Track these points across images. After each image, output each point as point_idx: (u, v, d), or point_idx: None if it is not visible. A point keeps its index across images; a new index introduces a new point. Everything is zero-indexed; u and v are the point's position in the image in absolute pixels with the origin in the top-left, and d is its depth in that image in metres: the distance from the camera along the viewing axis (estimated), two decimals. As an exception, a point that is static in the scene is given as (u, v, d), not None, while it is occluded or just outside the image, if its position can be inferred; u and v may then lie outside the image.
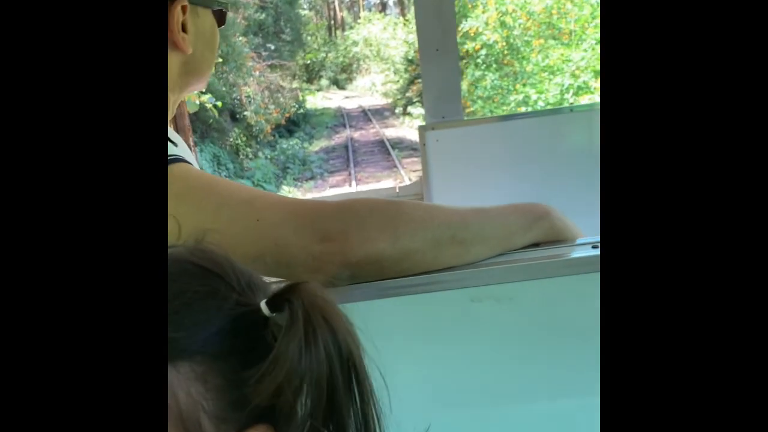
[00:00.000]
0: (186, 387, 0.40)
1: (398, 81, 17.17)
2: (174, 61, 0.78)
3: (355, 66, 22.62)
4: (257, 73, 12.02)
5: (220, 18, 0.85)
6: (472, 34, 9.65)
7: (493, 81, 9.47)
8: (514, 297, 0.71)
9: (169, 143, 0.77)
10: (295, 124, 14.48)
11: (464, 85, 9.74)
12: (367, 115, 16.40)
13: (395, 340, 0.69)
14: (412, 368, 0.73)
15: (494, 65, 9.62)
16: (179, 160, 0.70)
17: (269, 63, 13.41)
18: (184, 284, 0.42)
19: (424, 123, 1.35)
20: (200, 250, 0.45)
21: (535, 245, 0.75)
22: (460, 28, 9.80)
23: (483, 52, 9.63)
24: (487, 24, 9.53)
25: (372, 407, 0.45)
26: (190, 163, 0.73)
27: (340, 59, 22.50)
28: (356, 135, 13.95)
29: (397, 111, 15.78)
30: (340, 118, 16.50)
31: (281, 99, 13.21)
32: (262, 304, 0.43)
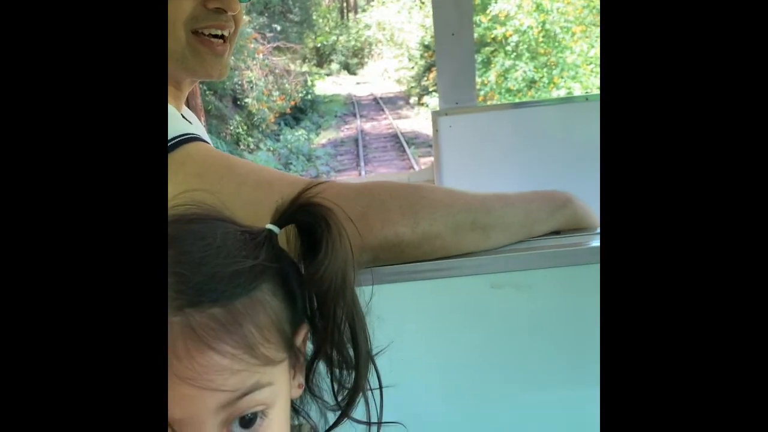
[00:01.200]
0: (272, 302, 0.53)
1: (413, 68, 17.29)
2: None
3: (366, 51, 22.85)
4: (261, 56, 12.17)
5: None
6: (503, 18, 9.66)
7: (525, 72, 9.46)
8: (533, 284, 0.76)
9: (184, 121, 0.79)
10: (301, 111, 14.54)
11: (492, 75, 9.74)
12: (379, 104, 16.55)
13: (413, 325, 0.75)
14: (428, 353, 0.80)
15: (527, 54, 9.61)
16: (196, 138, 0.74)
17: (275, 45, 13.56)
18: (223, 232, 0.53)
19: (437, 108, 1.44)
20: (205, 208, 0.56)
21: (556, 233, 0.80)
22: (488, 11, 9.81)
23: (514, 38, 9.62)
24: (520, 7, 9.52)
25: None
26: (207, 142, 0.76)
27: (352, 43, 22.72)
28: (367, 126, 14.06)
29: (411, 101, 15.84)
30: (350, 107, 16.64)
31: (287, 85, 13.34)
32: (270, 226, 0.57)
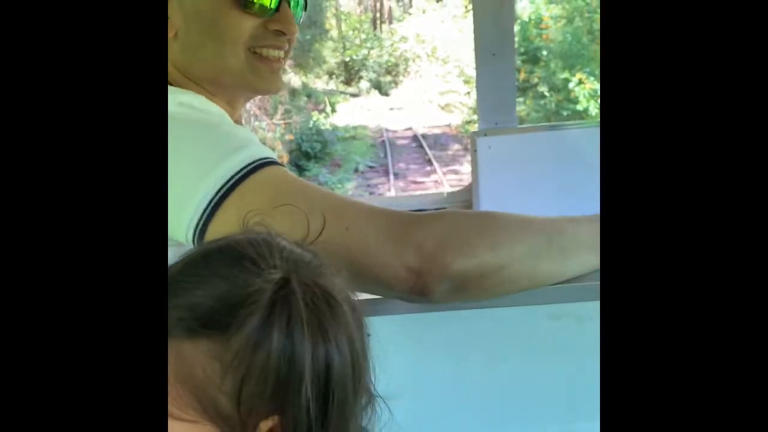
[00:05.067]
0: (203, 363, 0.45)
1: (468, 93, 12.48)
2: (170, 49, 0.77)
3: (402, 67, 18.70)
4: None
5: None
6: None
7: None
8: (596, 316, 0.68)
9: (263, 145, 0.74)
10: (306, 157, 9.61)
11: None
12: (422, 147, 10.53)
13: (470, 355, 0.73)
14: (483, 384, 0.77)
15: None
16: (273, 162, 0.71)
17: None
18: (215, 267, 0.47)
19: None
20: (247, 236, 0.50)
21: None
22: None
23: None
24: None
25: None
26: (282, 165, 0.73)
27: (385, 58, 18.65)
28: (408, 201, 7.97)
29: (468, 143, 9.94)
30: (380, 151, 10.71)
31: (266, 132, 7.42)
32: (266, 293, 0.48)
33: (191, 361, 0.44)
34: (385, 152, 10.42)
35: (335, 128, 11.56)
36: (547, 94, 8.11)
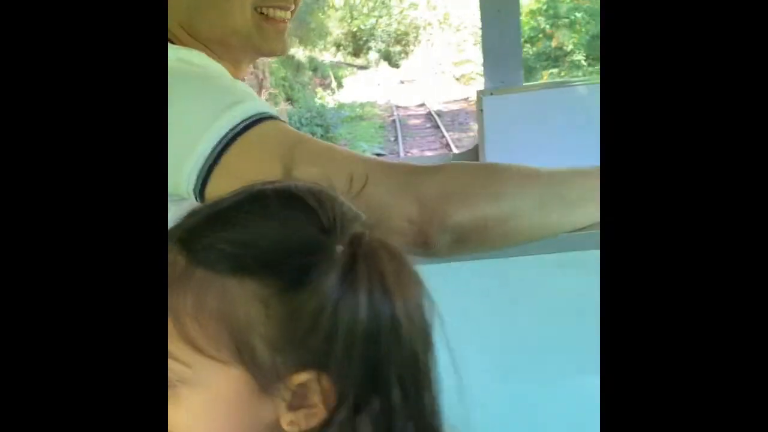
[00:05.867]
0: (246, 305, 0.44)
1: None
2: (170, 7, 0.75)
3: (413, 36, 17.89)
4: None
5: None
6: None
7: None
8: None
9: (262, 100, 0.76)
10: None
11: None
12: (438, 128, 9.28)
13: (475, 305, 0.71)
14: (488, 335, 0.76)
15: None
16: (271, 117, 0.70)
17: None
18: (272, 209, 0.46)
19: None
20: (306, 184, 0.49)
21: None
22: None
23: None
24: None
25: (426, 400, 0.47)
26: (283, 120, 0.73)
27: (394, 27, 17.82)
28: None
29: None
30: (389, 133, 9.49)
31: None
32: (338, 247, 0.46)
33: (234, 301, 0.43)
34: (396, 135, 9.17)
35: (340, 107, 10.40)
36: (584, 63, 6.80)
